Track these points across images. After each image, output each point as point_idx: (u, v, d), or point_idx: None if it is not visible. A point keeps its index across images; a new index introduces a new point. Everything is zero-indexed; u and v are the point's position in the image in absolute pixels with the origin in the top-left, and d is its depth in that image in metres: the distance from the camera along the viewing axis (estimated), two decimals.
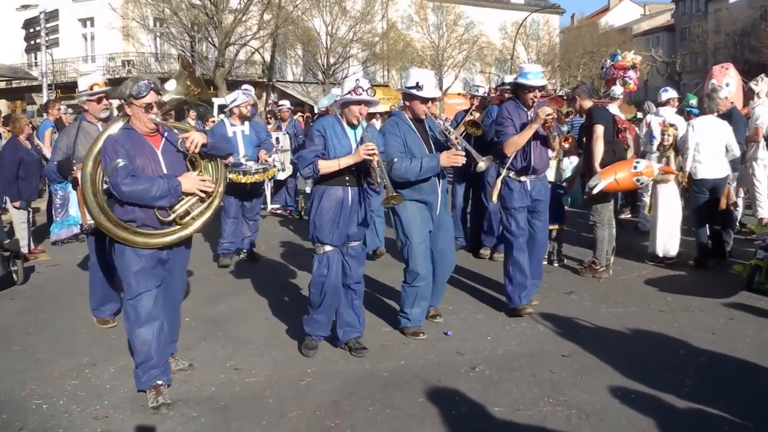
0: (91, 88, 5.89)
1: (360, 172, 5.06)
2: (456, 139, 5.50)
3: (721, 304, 6.36)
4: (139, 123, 4.43)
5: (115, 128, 4.59)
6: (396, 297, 6.81)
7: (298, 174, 11.43)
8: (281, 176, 11.94)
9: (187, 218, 4.50)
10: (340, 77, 38.04)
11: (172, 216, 4.44)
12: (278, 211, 12.53)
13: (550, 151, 6.61)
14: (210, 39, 31.59)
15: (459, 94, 39.80)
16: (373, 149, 4.82)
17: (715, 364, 4.94)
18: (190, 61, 4.79)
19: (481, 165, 5.45)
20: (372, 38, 39.95)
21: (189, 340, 5.63)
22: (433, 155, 5.47)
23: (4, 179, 8.51)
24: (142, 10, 31.35)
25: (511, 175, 6.23)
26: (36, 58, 20.33)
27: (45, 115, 12.32)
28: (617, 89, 10.30)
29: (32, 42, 18.85)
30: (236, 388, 4.72)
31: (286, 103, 13.77)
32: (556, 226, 7.87)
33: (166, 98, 4.71)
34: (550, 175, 7.52)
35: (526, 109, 6.14)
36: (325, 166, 4.93)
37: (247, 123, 8.40)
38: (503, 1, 49.95)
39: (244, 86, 9.02)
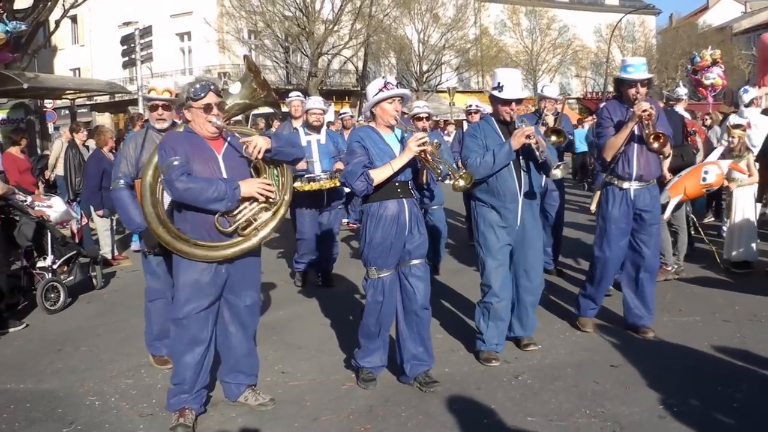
0: (149, 92, 5.48)
1: (408, 181, 4.66)
2: (537, 143, 4.89)
3: None
4: (199, 127, 4.16)
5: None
6: (455, 300, 6.87)
7: None
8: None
9: (250, 228, 4.17)
10: (434, 84, 38.16)
11: (233, 226, 4.13)
12: (353, 225, 11.51)
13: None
14: (303, 49, 32.29)
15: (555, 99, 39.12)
16: (423, 138, 4.47)
17: None
18: (256, 65, 4.69)
19: (556, 173, 5.11)
20: (464, 45, 39.85)
21: None
22: (503, 142, 5.02)
23: (89, 189, 8.97)
24: (237, 23, 32.39)
25: (613, 181, 5.66)
26: (135, 73, 21.36)
27: (131, 127, 12.90)
28: (681, 90, 9.59)
29: (129, 57, 19.79)
30: (278, 391, 4.81)
31: (348, 111, 13.60)
32: None
33: (229, 101, 4.51)
34: None
35: (629, 107, 5.51)
36: (378, 174, 4.46)
37: (323, 131, 7.74)
38: (597, 3, 48.94)
39: (315, 98, 8.53)
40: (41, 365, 5.61)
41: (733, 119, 8.34)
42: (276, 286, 8.01)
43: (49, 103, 22.87)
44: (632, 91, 5.47)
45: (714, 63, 10.41)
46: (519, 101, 5.11)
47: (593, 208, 5.88)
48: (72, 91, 19.83)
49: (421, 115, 7.50)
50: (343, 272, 8.39)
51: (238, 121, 7.33)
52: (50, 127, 23.10)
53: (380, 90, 4.53)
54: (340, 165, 7.35)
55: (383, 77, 4.71)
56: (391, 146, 4.64)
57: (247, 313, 4.42)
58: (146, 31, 20.10)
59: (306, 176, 7.41)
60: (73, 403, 4.80)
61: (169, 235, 4.18)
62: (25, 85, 15.32)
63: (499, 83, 5.05)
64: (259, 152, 4.12)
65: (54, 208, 7.94)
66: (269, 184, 4.19)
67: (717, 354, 5.16)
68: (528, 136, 4.84)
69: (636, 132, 5.43)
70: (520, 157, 5.06)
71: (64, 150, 11.50)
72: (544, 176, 5.50)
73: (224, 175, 4.12)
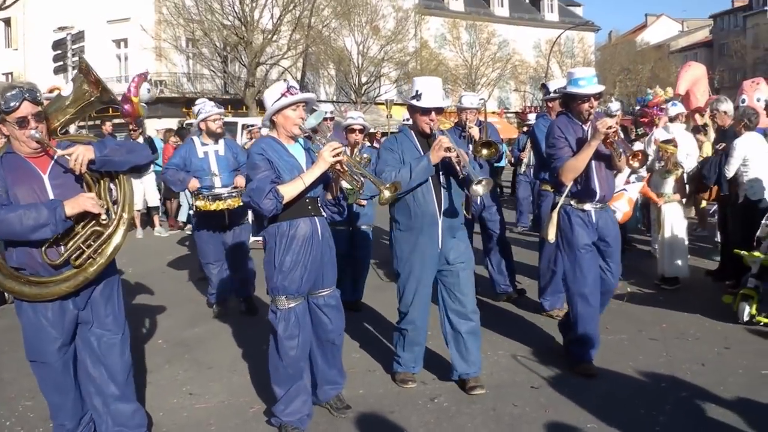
0: None
1: (317, 197, 4.24)
2: (457, 156, 4.48)
3: (719, 332, 5.98)
4: (18, 143, 3.52)
5: None
6: (376, 319, 6.68)
7: None
8: None
9: (82, 258, 3.57)
10: (372, 96, 38.12)
11: (62, 257, 3.54)
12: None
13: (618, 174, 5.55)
14: (241, 59, 31.86)
15: (493, 113, 39.57)
16: (338, 147, 3.99)
17: (697, 399, 4.57)
18: (89, 68, 3.89)
19: (477, 189, 4.43)
20: (404, 57, 39.94)
21: (153, 363, 5.56)
22: (421, 156, 4.63)
23: None
24: (175, 30, 31.76)
25: (572, 203, 5.17)
26: (65, 79, 20.67)
27: None
28: (614, 105, 9.11)
29: (61, 62, 19.12)
30: (183, 414, 4.57)
31: (257, 123, 12.77)
32: None
33: (64, 105, 3.85)
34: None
35: (581, 124, 5.10)
36: (288, 190, 3.98)
37: (221, 141, 6.97)
38: (537, 18, 49.78)
39: (201, 100, 7.53)
40: None
41: (660, 134, 8.37)
42: (195, 300, 7.70)
43: None
44: (585, 106, 5.04)
45: (668, 101, 10.27)
46: (439, 111, 4.69)
47: (551, 237, 5.23)
48: None
49: (355, 127, 6.96)
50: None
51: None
52: None
53: (282, 95, 4.06)
54: (241, 180, 6.79)
55: (284, 80, 4.26)
56: (297, 158, 4.17)
57: (103, 353, 3.78)
58: (78, 36, 19.42)
59: (207, 193, 6.71)
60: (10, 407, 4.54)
61: (2, 274, 3.57)
62: None
63: (417, 91, 4.64)
64: (81, 165, 3.49)
65: None
66: (92, 198, 3.55)
67: (641, 374, 5.06)
68: (448, 149, 4.45)
69: (602, 150, 4.98)
70: (440, 173, 4.67)
71: None
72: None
73: (50, 197, 3.53)
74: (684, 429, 4.14)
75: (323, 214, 4.27)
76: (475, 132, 6.84)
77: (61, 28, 20.60)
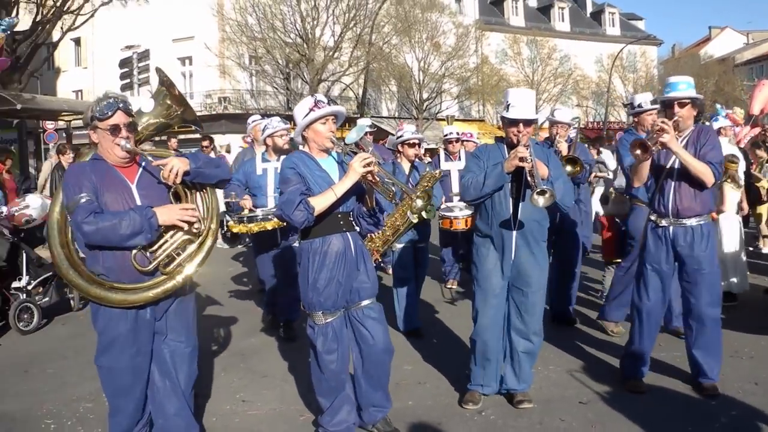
0: None
1: (350, 212, 4.21)
2: (531, 167, 4.35)
3: None
4: (107, 151, 3.66)
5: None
6: (432, 335, 6.72)
7: None
8: None
9: (173, 265, 3.67)
10: (434, 112, 38.24)
11: (154, 263, 3.62)
12: None
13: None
14: (303, 76, 32.41)
15: None
16: (369, 158, 3.95)
17: (747, 419, 4.51)
18: (171, 80, 4.10)
19: (537, 200, 4.21)
20: (465, 73, 39.95)
21: (210, 370, 5.75)
22: (497, 163, 4.57)
23: None
24: (238, 48, 32.55)
25: (651, 217, 5.07)
26: (133, 95, 21.38)
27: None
28: (716, 123, 8.74)
29: (127, 80, 19.87)
30: (236, 420, 4.72)
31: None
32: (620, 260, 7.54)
33: (143, 121, 4.00)
34: None
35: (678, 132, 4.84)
36: (319, 202, 3.96)
37: (283, 158, 6.51)
38: (598, 33, 49.22)
39: (254, 117, 7.69)
40: (5, 386, 5.53)
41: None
42: (252, 312, 7.89)
43: (50, 124, 22.90)
44: (670, 112, 4.84)
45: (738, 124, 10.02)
46: (528, 123, 4.56)
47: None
48: (68, 113, 19.85)
49: (414, 141, 6.91)
50: None
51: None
52: (51, 148, 23.12)
53: (311, 110, 4.05)
54: (247, 203, 6.62)
55: (313, 96, 4.22)
56: (329, 172, 4.16)
57: (175, 364, 3.87)
58: (144, 55, 20.15)
59: (240, 216, 6.42)
60: (29, 426, 4.72)
61: (82, 279, 3.67)
62: (19, 106, 15.30)
63: (508, 103, 4.59)
64: (176, 175, 3.63)
65: (31, 206, 7.78)
66: (192, 209, 3.69)
67: (692, 392, 4.99)
68: (522, 159, 4.35)
69: (676, 165, 4.82)
70: (521, 185, 4.57)
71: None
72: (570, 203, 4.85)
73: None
74: None
75: (356, 228, 4.24)
76: (563, 147, 6.69)
77: (128, 47, 21.31)
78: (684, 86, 4.88)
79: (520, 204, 4.58)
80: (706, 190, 4.85)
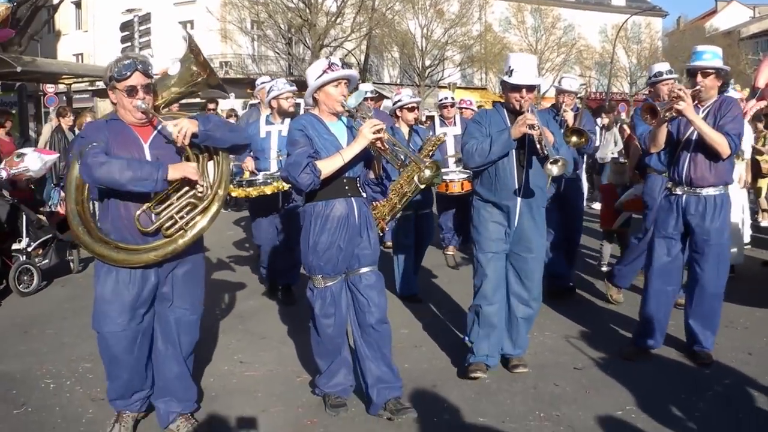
0: None
1: (357, 177, 4.15)
2: (540, 134, 4.34)
3: None
4: (124, 111, 3.65)
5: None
6: (429, 294, 6.79)
7: None
8: None
9: (175, 227, 3.64)
10: (436, 79, 38.03)
11: (156, 224, 3.62)
12: None
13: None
14: (305, 41, 32.21)
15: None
16: (379, 124, 3.92)
17: (739, 388, 4.55)
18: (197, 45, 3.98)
19: (551, 168, 4.24)
20: (468, 41, 39.68)
21: (209, 332, 5.74)
22: (503, 129, 4.53)
23: None
24: (240, 12, 32.34)
25: (668, 185, 5.05)
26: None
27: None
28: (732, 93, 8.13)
29: (128, 44, 19.72)
30: (233, 380, 4.77)
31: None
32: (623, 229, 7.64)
33: (168, 84, 3.97)
34: None
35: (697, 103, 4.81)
36: (326, 165, 3.90)
37: (287, 121, 6.43)
38: (603, 3, 48.79)
39: (264, 78, 7.44)
40: (5, 347, 5.58)
41: None
42: (251, 275, 7.93)
43: (51, 88, 22.80)
44: (693, 81, 4.83)
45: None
46: (531, 88, 4.53)
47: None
48: (69, 76, 19.76)
49: (411, 106, 6.77)
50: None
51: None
52: (51, 111, 23.05)
53: (324, 72, 3.97)
54: (249, 164, 6.57)
55: (327, 57, 4.13)
56: (337, 136, 4.09)
57: (179, 330, 3.90)
58: (145, 18, 20.02)
59: (240, 179, 6.35)
60: (29, 385, 4.76)
61: (89, 237, 3.67)
62: (19, 69, 15.23)
63: (509, 67, 4.51)
64: (184, 136, 3.57)
65: (30, 165, 7.77)
66: (198, 172, 3.66)
67: (686, 360, 5.03)
68: (531, 126, 4.31)
69: (693, 136, 4.75)
70: (525, 151, 4.55)
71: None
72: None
73: None
74: (724, 416, 4.13)
75: (363, 194, 4.18)
76: (569, 117, 6.52)
77: (129, 11, 21.20)
78: (709, 56, 4.80)
79: (525, 171, 4.57)
80: (722, 161, 4.75)
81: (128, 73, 3.55)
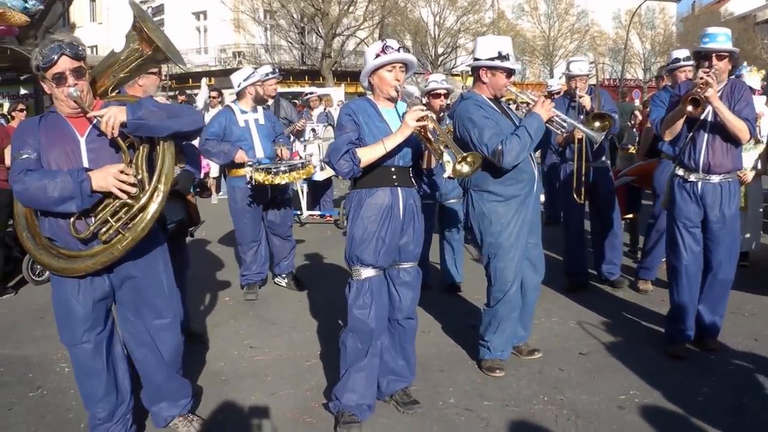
0: None
1: (408, 167, 3.90)
2: (559, 116, 4.41)
3: None
4: (59, 102, 3.26)
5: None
6: (437, 282, 6.80)
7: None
8: (319, 176, 9.94)
9: (110, 232, 3.23)
10: (449, 67, 37.96)
11: (90, 230, 3.23)
12: (317, 219, 10.27)
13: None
14: (317, 30, 32.24)
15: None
16: (424, 111, 3.64)
17: (744, 374, 4.59)
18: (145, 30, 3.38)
19: (596, 136, 4.55)
20: (480, 28, 39.51)
21: (220, 318, 5.93)
22: (530, 115, 4.32)
23: None
24: (253, 2, 32.40)
25: (678, 172, 4.88)
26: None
27: None
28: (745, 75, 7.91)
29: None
30: (243, 365, 4.86)
31: (315, 91, 12.24)
32: (630, 216, 7.65)
33: (111, 64, 3.47)
34: None
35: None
36: (366, 154, 3.69)
37: (260, 110, 6.47)
38: None
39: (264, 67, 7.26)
40: (21, 332, 5.70)
41: None
42: None
43: None
44: (706, 63, 4.65)
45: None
46: (514, 73, 4.53)
47: (662, 205, 5.19)
48: None
49: (439, 92, 6.45)
50: (326, 253, 8.33)
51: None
52: None
53: (377, 55, 3.75)
54: (284, 150, 6.46)
55: (383, 40, 3.88)
56: (389, 123, 3.83)
57: (156, 334, 3.61)
58: (159, 9, 20.26)
59: (265, 166, 6.14)
60: (45, 369, 4.87)
61: (33, 242, 3.34)
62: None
63: (500, 52, 4.37)
64: (112, 128, 3.17)
65: None
66: (126, 173, 3.20)
67: (691, 346, 5.02)
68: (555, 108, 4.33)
69: (709, 118, 4.66)
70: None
71: None
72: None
73: (84, 162, 3.25)
74: (727, 400, 4.17)
75: (413, 185, 3.94)
76: (586, 102, 6.29)
77: (142, 2, 21.25)
78: (723, 38, 4.69)
79: (532, 155, 4.53)
80: (736, 147, 4.74)
81: (54, 58, 3.13)
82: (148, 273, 3.53)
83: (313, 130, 10.17)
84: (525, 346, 4.91)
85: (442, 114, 6.46)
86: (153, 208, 3.27)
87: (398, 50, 3.76)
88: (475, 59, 4.54)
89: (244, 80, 6.35)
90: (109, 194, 3.22)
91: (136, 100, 3.35)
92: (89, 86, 3.31)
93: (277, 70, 7.01)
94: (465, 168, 3.65)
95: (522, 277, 4.62)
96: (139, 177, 3.27)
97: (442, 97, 6.48)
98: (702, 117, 4.67)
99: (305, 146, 9.36)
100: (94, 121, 3.26)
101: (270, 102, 7.01)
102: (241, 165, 6.19)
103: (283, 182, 6.12)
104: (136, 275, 3.49)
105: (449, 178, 6.12)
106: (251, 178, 6.04)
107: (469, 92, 4.70)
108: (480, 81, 4.53)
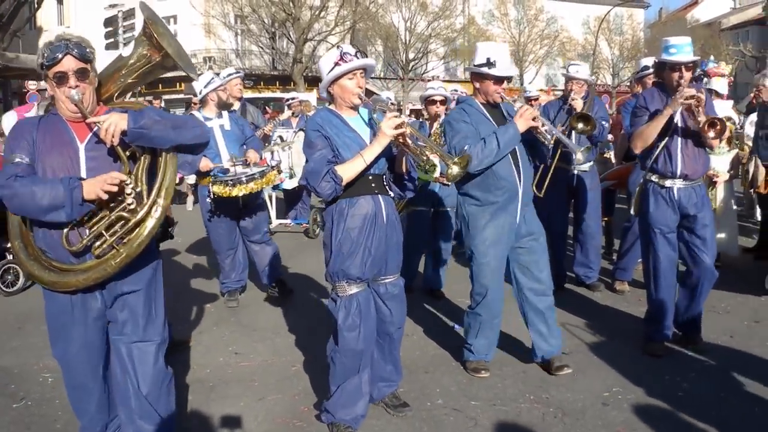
0: None
1: (383, 174, 3.80)
2: (543, 125, 4.38)
3: (750, 307, 6.07)
4: (60, 104, 3.10)
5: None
6: (419, 290, 6.83)
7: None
8: (289, 184, 9.81)
9: (104, 246, 3.05)
10: (420, 72, 38.11)
11: (83, 243, 3.05)
12: (288, 227, 10.08)
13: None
14: (289, 35, 32.21)
15: (541, 90, 39.23)
16: (399, 119, 3.55)
17: (721, 369, 4.70)
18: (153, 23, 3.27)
19: (579, 157, 4.46)
20: (451, 34, 39.77)
21: (202, 325, 5.91)
22: (506, 124, 4.36)
23: None
24: (223, 7, 32.28)
25: (653, 178, 5.00)
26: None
27: None
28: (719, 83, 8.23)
29: (112, 39, 19.62)
30: (228, 371, 4.85)
31: (297, 96, 12.09)
32: (605, 219, 7.74)
33: (121, 68, 3.35)
34: None
35: (672, 95, 4.73)
36: (347, 171, 3.58)
37: (225, 115, 6.27)
38: None
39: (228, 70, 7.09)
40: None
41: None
42: None
43: (33, 85, 22.66)
44: (675, 75, 4.73)
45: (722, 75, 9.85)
46: (509, 80, 4.52)
47: (634, 210, 5.14)
48: None
49: (435, 98, 6.37)
50: (301, 259, 8.32)
51: None
52: (36, 108, 22.85)
53: (336, 64, 3.62)
54: (252, 154, 6.18)
55: (339, 47, 3.73)
56: (359, 132, 3.76)
57: (138, 361, 3.30)
58: (129, 14, 19.89)
59: (225, 178, 5.90)
60: (27, 379, 4.79)
61: (25, 253, 3.16)
62: (1, 65, 15.16)
63: (488, 58, 4.36)
64: (112, 136, 2.99)
65: None
66: (122, 181, 3.01)
67: (670, 344, 5.12)
68: (534, 118, 4.30)
69: (680, 124, 4.76)
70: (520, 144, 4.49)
71: None
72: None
73: (82, 171, 3.08)
74: (706, 395, 4.27)
75: (390, 192, 3.84)
76: (578, 104, 6.25)
77: (112, 6, 21.00)
78: (689, 48, 4.77)
79: (521, 163, 4.49)
80: (706, 151, 4.89)
81: (58, 56, 3.00)
82: (139, 293, 3.29)
83: (281, 136, 9.96)
84: (556, 359, 4.66)
85: (439, 120, 6.37)
86: (150, 223, 3.09)
87: (356, 56, 3.66)
88: (469, 65, 4.61)
89: (205, 87, 6.17)
90: (102, 205, 3.06)
91: (140, 108, 3.19)
92: (94, 91, 3.16)
93: (241, 71, 6.93)
94: (455, 169, 3.65)
95: (516, 282, 4.65)
96: (138, 189, 3.09)
97: (438, 103, 6.41)
98: (672, 125, 4.75)
99: (272, 153, 9.14)
100: (95, 129, 3.09)
101: (236, 106, 6.86)
102: (209, 173, 6.00)
103: (241, 194, 5.88)
104: (127, 295, 3.26)
105: (443, 184, 6.24)
106: (209, 191, 5.92)
107: (465, 97, 4.75)
108: (475, 87, 4.60)
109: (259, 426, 4.03)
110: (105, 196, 2.98)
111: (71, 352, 3.26)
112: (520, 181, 4.46)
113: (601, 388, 4.40)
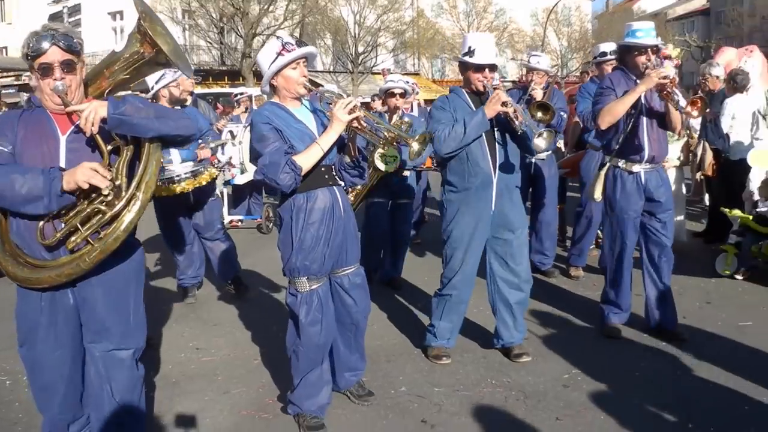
0: None
1: (333, 165, 3.75)
2: (515, 111, 4.33)
3: (702, 288, 6.28)
4: (43, 95, 2.98)
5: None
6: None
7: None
8: (241, 180, 9.65)
9: (78, 241, 2.92)
10: (369, 66, 38.08)
11: (57, 236, 2.92)
12: (240, 225, 9.94)
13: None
14: (237, 30, 31.88)
15: None
16: (351, 102, 3.54)
17: (676, 349, 4.83)
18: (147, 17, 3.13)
19: (539, 143, 4.35)
20: (400, 27, 39.82)
21: (161, 322, 5.83)
22: (476, 110, 4.42)
23: None
24: (171, 2, 31.71)
25: (620, 164, 4.95)
26: None
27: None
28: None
29: None
30: (191, 367, 4.83)
31: (246, 91, 11.99)
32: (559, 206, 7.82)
33: (110, 64, 3.24)
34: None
35: (636, 78, 4.80)
36: (305, 160, 3.53)
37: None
38: None
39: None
40: None
41: None
42: None
43: None
44: (642, 58, 4.74)
45: (669, 57, 10.05)
46: (493, 68, 4.48)
47: (597, 195, 5.08)
48: None
49: (395, 91, 6.37)
50: (255, 254, 8.26)
51: None
52: None
53: (278, 54, 3.54)
54: (204, 150, 6.11)
55: (279, 38, 3.66)
56: (305, 122, 3.70)
57: (112, 368, 3.16)
58: (75, 9, 19.59)
59: (165, 176, 5.81)
60: None
61: (1, 248, 3.01)
62: None
63: (470, 47, 4.41)
64: (92, 124, 2.87)
65: None
66: (102, 172, 2.86)
67: (625, 327, 5.25)
68: (504, 103, 4.27)
69: (646, 106, 4.82)
70: (495, 130, 4.48)
71: None
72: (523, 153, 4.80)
73: (62, 162, 2.96)
74: (662, 374, 4.41)
75: (340, 182, 3.80)
76: (537, 94, 6.24)
77: (56, 1, 20.56)
78: (654, 32, 4.84)
79: (498, 149, 4.50)
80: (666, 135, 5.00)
81: (45, 47, 2.87)
82: (112, 295, 3.13)
83: (231, 132, 9.77)
84: (517, 348, 4.73)
85: (398, 112, 6.43)
86: (128, 217, 2.94)
87: (297, 45, 3.61)
88: (459, 56, 4.64)
89: (156, 83, 5.95)
90: (81, 196, 2.92)
91: (123, 96, 3.03)
92: (81, 84, 3.04)
93: (191, 67, 6.82)
94: (415, 146, 3.59)
95: (490, 271, 4.69)
96: (118, 183, 2.95)
97: (398, 96, 6.38)
98: (636, 109, 4.79)
99: (221, 147, 8.96)
100: (78, 121, 2.95)
101: (188, 102, 6.71)
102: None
103: (188, 189, 5.86)
104: (99, 296, 3.10)
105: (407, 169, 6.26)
106: None
107: (454, 87, 4.82)
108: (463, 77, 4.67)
109: (225, 419, 4.02)
110: (85, 186, 2.84)
111: (39, 352, 3.10)
112: (495, 168, 4.47)
113: (560, 370, 4.51)
